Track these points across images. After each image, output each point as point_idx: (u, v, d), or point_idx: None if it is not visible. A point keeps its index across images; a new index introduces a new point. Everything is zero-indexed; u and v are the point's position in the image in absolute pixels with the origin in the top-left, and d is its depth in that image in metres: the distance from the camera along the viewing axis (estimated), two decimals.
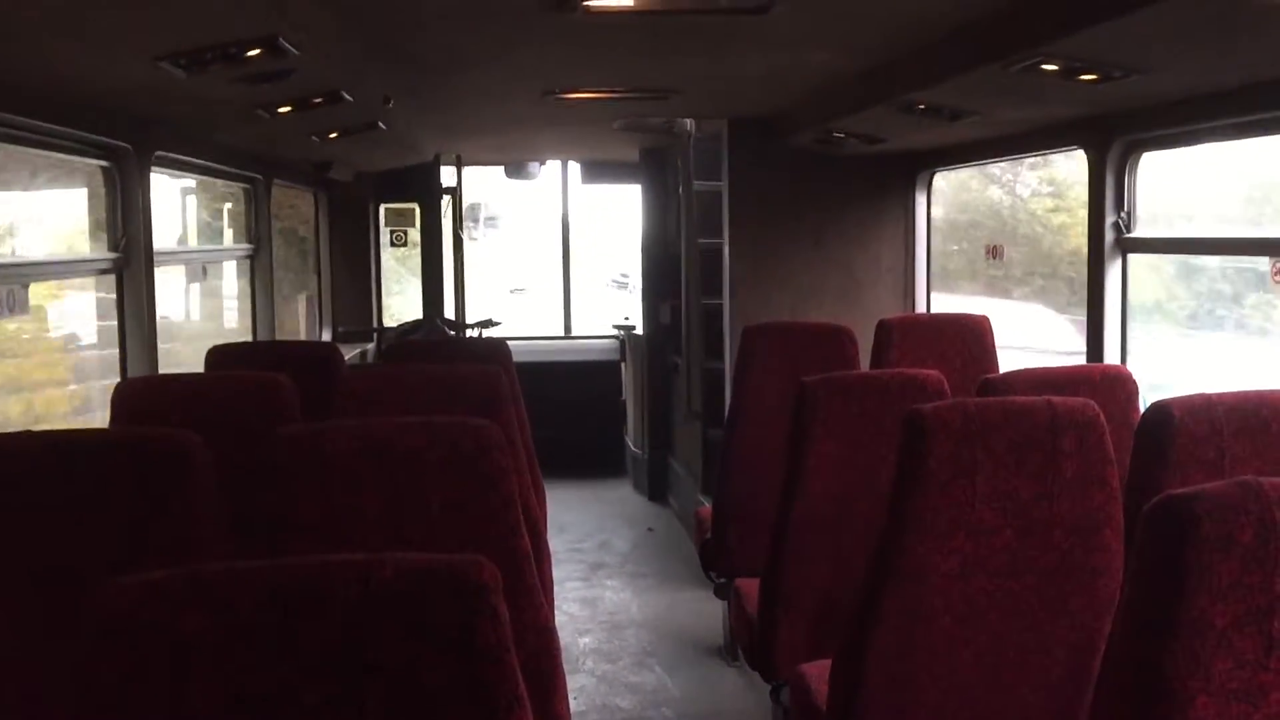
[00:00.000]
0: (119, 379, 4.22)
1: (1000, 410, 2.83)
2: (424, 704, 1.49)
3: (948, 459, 2.75)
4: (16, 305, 3.59)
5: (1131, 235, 4.53)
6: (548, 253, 11.57)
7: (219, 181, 6.16)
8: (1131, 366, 4.23)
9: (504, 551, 2.52)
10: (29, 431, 2.57)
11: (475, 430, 2.59)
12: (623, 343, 9.87)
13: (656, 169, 9.05)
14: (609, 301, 12.42)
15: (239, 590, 1.51)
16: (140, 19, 2.68)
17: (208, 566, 1.55)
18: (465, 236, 9.04)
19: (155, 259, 4.51)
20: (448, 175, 9.09)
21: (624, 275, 10.17)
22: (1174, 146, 4.37)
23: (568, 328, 10.99)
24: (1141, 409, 3.71)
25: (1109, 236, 4.54)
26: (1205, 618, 1.79)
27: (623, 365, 9.96)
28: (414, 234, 9.04)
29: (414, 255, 9.26)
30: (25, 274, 3.79)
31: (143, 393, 3.56)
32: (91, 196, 4.46)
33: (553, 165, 10.61)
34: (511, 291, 14.67)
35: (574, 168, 10.64)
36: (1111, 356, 4.57)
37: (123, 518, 2.52)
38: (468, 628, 1.50)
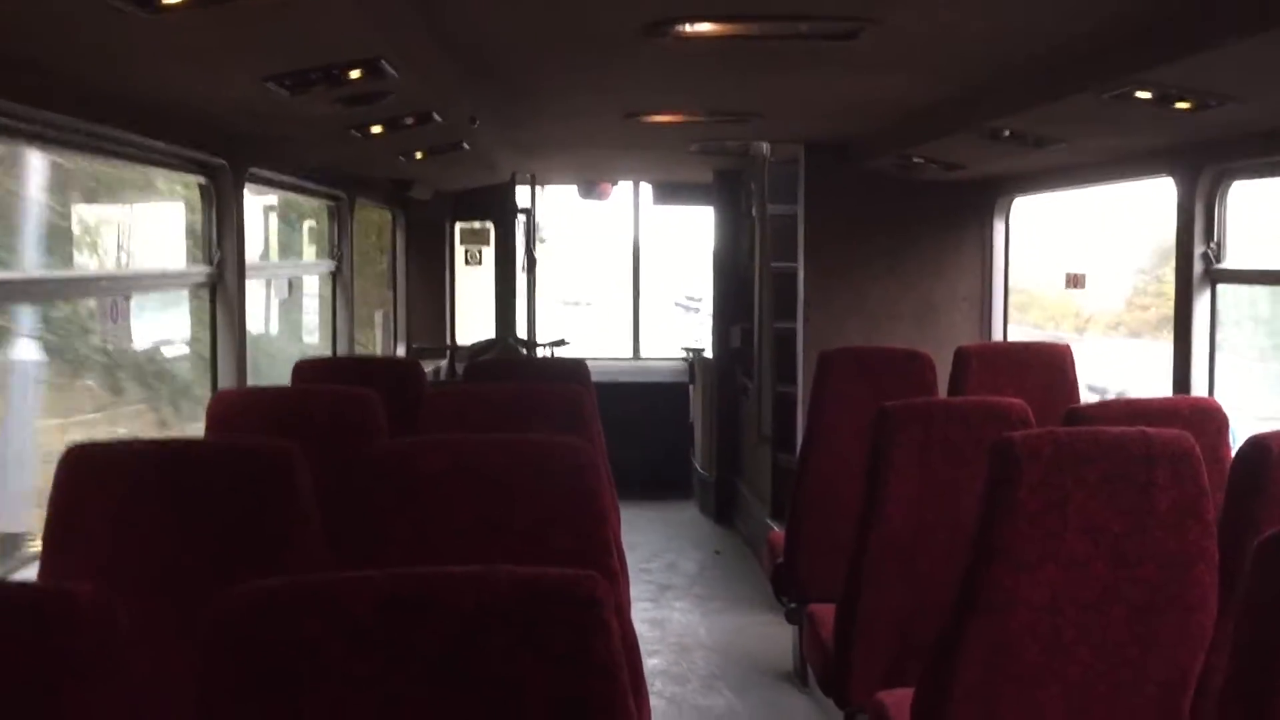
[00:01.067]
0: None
1: (1093, 440, 2.80)
2: (536, 716, 1.51)
3: (1038, 488, 2.72)
4: (119, 315, 3.70)
5: (1221, 266, 4.46)
6: (614, 271, 11.61)
7: (301, 199, 6.30)
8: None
9: (597, 569, 2.54)
10: (138, 439, 2.64)
11: (568, 449, 2.62)
12: (692, 365, 9.88)
13: (730, 192, 9.07)
14: (676, 323, 12.41)
15: (355, 598, 1.54)
16: (252, 39, 2.76)
17: (323, 575, 1.59)
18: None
19: (246, 273, 4.62)
20: (522, 195, 9.19)
21: (691, 298, 10.14)
22: (1266, 176, 4.30)
23: (636, 349, 11.02)
24: (1231, 442, 3.65)
25: (1198, 267, 4.47)
26: None
27: (691, 388, 9.96)
28: (488, 253, 9.13)
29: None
30: (126, 286, 3.91)
31: (235, 404, 3.64)
32: (189, 211, 4.58)
33: (624, 186, 10.68)
34: (565, 304, 14.70)
35: (645, 189, 10.69)
36: (1199, 388, 4.50)
37: (223, 525, 2.58)
38: (581, 642, 1.52)
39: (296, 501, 2.62)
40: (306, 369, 4.54)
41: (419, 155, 5.31)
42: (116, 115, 3.49)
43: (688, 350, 9.96)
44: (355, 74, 3.11)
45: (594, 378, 5.21)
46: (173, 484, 2.58)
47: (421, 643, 1.52)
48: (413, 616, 1.53)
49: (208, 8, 2.27)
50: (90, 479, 2.57)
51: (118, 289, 3.77)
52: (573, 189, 10.50)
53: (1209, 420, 3.68)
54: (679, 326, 12.01)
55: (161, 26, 2.41)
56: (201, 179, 4.42)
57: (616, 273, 11.43)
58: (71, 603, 1.56)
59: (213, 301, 4.49)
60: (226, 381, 4.47)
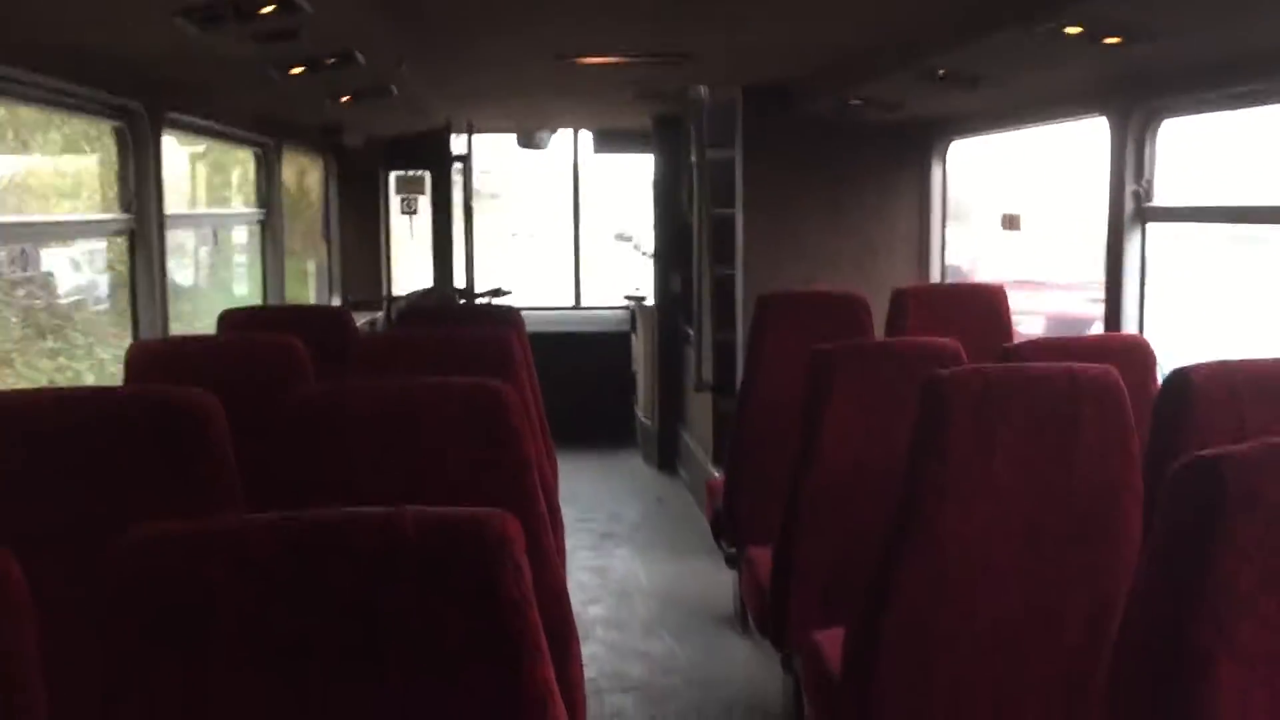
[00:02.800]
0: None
1: (1020, 377, 2.81)
2: (445, 655, 1.48)
3: (967, 425, 2.73)
4: (29, 264, 3.58)
5: (1151, 204, 4.48)
6: (557, 215, 11.51)
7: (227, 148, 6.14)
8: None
9: (521, 513, 2.50)
10: (45, 388, 2.56)
11: (492, 392, 2.57)
12: (633, 313, 9.84)
13: (670, 138, 8.99)
14: (616, 261, 12.31)
15: (259, 541, 1.50)
16: None
17: (225, 518, 1.54)
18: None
19: (167, 222, 4.49)
20: (459, 144, 9.04)
21: (623, 235, 10.06)
22: (1197, 112, 4.32)
23: (578, 298, 10.95)
24: (1160, 379, 3.69)
25: (1129, 205, 4.50)
26: (1230, 580, 1.77)
27: (633, 336, 9.93)
28: (423, 202, 8.99)
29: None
30: (37, 233, 3.78)
31: (155, 355, 3.55)
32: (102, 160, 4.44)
33: (565, 134, 10.55)
34: (513, 235, 14.55)
35: (585, 137, 10.58)
36: (1129, 326, 4.54)
37: (139, 476, 2.51)
38: (490, 580, 1.48)
39: (213, 452, 2.55)
40: (233, 319, 4.44)
41: (345, 99, 5.18)
42: (23, 57, 3.36)
43: (629, 298, 9.91)
44: (267, 9, 3.00)
45: (535, 327, 5.16)
46: (82, 434, 2.50)
47: (327, 585, 1.48)
48: (317, 558, 1.49)
49: None
50: None
51: (26, 236, 3.64)
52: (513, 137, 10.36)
53: (1138, 357, 3.72)
54: (621, 264, 11.91)
55: None
56: (117, 123, 4.28)
57: (560, 217, 11.32)
58: None
59: (132, 251, 4.37)
60: (148, 332, 4.36)
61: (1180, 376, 2.86)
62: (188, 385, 2.93)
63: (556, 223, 11.48)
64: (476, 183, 9.26)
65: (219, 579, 1.48)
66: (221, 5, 2.93)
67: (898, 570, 2.85)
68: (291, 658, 1.49)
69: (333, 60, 4.01)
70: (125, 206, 4.35)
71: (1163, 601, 1.84)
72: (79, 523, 2.49)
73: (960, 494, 2.75)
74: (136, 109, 4.26)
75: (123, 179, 4.34)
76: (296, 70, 4.04)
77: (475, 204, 9.02)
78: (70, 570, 2.45)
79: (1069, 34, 3.50)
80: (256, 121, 5.82)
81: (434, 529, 1.50)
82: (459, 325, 4.18)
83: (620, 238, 9.67)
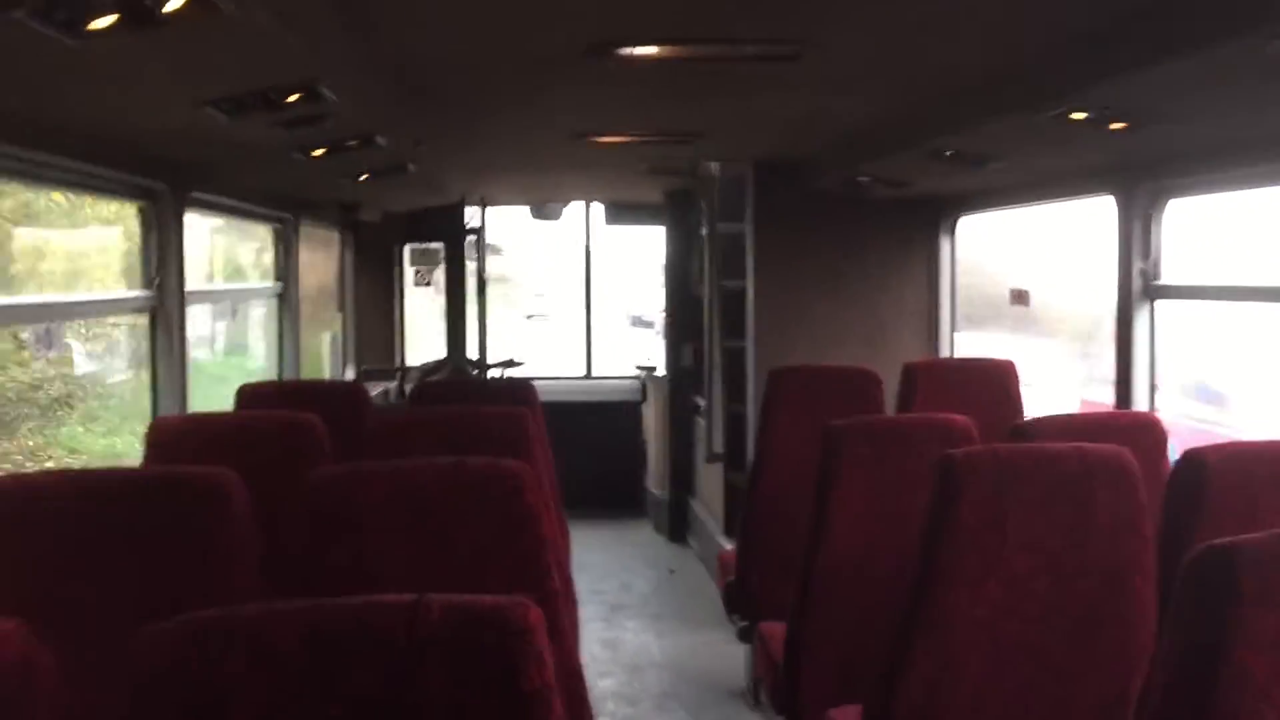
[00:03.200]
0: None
1: (1032, 457, 2.83)
2: None
3: (980, 505, 2.75)
4: (53, 343, 3.63)
5: (1159, 282, 4.53)
6: (567, 288, 11.60)
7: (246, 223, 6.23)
8: None
9: (537, 594, 2.52)
10: (65, 470, 2.59)
11: (507, 472, 2.60)
12: (644, 384, 9.88)
13: (681, 210, 9.10)
14: (629, 340, 12.39)
15: (280, 633, 1.52)
16: (186, 65, 2.73)
17: (247, 608, 1.56)
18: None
19: (187, 298, 4.56)
20: (473, 216, 9.16)
21: (640, 318, 10.13)
22: (1202, 193, 4.38)
23: (589, 368, 11.01)
24: (1170, 456, 3.70)
25: (1136, 283, 4.54)
26: (1246, 671, 1.78)
27: (643, 406, 9.96)
28: (438, 274, 9.09)
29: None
30: (61, 313, 3.84)
31: (176, 431, 3.59)
32: (126, 237, 4.52)
33: (577, 206, 10.67)
34: (529, 317, 14.63)
35: (597, 208, 10.70)
36: (1140, 403, 4.56)
37: (158, 556, 2.53)
38: (513, 670, 1.50)
39: (233, 531, 2.58)
40: (250, 394, 4.48)
41: (364, 178, 5.27)
42: (52, 142, 3.44)
43: (641, 369, 9.96)
44: (293, 98, 3.09)
45: (546, 397, 5.19)
46: (104, 515, 2.53)
47: (350, 675, 1.50)
48: (340, 649, 1.51)
49: (138, 33, 2.24)
50: (16, 511, 2.51)
51: (52, 316, 3.70)
52: (525, 210, 10.49)
53: (1148, 434, 3.74)
54: (633, 343, 12.00)
55: (91, 53, 2.38)
56: (141, 203, 4.37)
57: (573, 289, 11.42)
58: None
59: (153, 327, 4.43)
60: (168, 408, 4.41)
61: (1193, 458, 2.88)
62: (208, 462, 2.97)
63: (568, 299, 11.57)
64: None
65: (240, 671, 1.50)
66: (250, 96, 3.02)
67: (910, 651, 2.84)
68: None
69: (354, 143, 4.10)
70: (148, 284, 4.42)
71: (1180, 692, 1.85)
72: (102, 602, 2.51)
73: (972, 576, 2.76)
74: (161, 189, 4.35)
75: (145, 257, 4.41)
76: (318, 153, 4.13)
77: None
78: (93, 650, 2.47)
79: (1075, 119, 3.57)
80: (275, 198, 5.93)
81: (458, 618, 1.52)
82: (474, 402, 4.21)
83: (638, 322, 9.72)
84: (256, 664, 1.50)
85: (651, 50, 3.53)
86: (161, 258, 4.41)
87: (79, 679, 2.41)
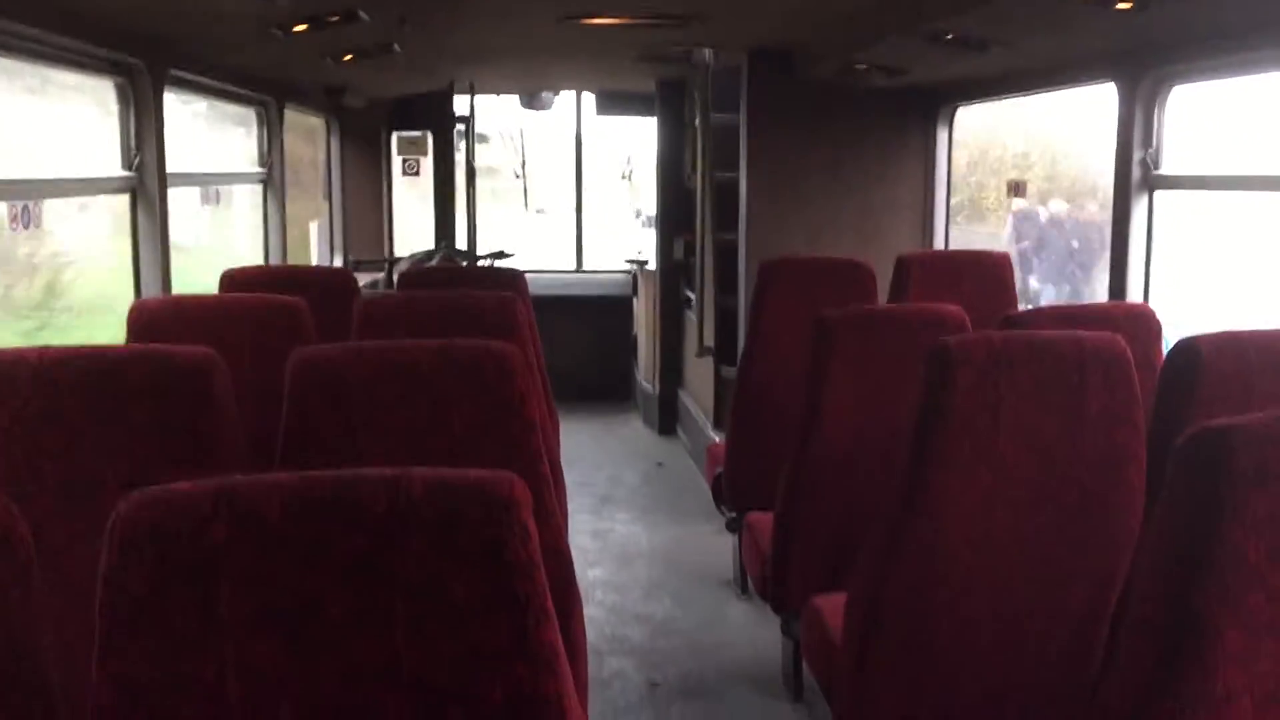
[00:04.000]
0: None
1: (1026, 344, 2.80)
2: (452, 617, 1.48)
3: (972, 392, 2.72)
4: (31, 221, 3.56)
5: (1159, 172, 4.46)
6: (562, 181, 11.45)
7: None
8: None
9: (525, 475, 2.50)
10: (43, 347, 2.54)
11: (497, 353, 2.56)
12: (635, 277, 9.82)
13: (673, 100, 8.93)
14: (638, 237, 12.26)
15: (265, 501, 1.49)
16: None
17: (232, 478, 1.53)
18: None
19: (168, 180, 4.46)
20: (461, 104, 8.98)
21: (649, 213, 10.01)
22: (1207, 79, 4.28)
23: (579, 261, 10.93)
24: (1165, 348, 3.68)
25: (1136, 173, 4.47)
26: (1238, 551, 1.77)
27: (634, 300, 9.91)
28: (426, 163, 8.95)
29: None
30: (38, 191, 3.75)
31: (157, 313, 3.54)
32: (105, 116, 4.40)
33: (568, 96, 10.48)
34: (539, 212, 14.48)
35: (589, 99, 10.51)
36: (1134, 295, 4.52)
37: (141, 435, 2.50)
38: (498, 542, 1.48)
39: (216, 410, 2.55)
40: (235, 278, 4.42)
41: (348, 58, 5.13)
42: (25, 12, 3.32)
43: (631, 262, 9.89)
44: None
45: (537, 290, 5.14)
46: (85, 392, 2.49)
47: (333, 545, 1.48)
48: (324, 519, 1.48)
49: None
50: (0, 385, 2.47)
51: (27, 193, 3.62)
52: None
53: (1143, 326, 3.71)
54: (641, 240, 11.89)
55: None
56: (118, 80, 4.24)
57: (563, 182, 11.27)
58: None
59: (134, 208, 4.34)
60: (150, 290, 4.35)
61: (1187, 346, 2.85)
62: (190, 343, 2.93)
63: (559, 192, 11.42)
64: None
65: (224, 538, 1.48)
66: None
67: (900, 537, 2.85)
68: (297, 617, 1.49)
69: (335, 18, 3.97)
70: (127, 164, 4.32)
71: (1168, 573, 1.84)
72: (82, 480, 2.49)
73: (963, 462, 2.75)
74: (138, 66, 4.22)
75: (124, 136, 4.30)
76: (299, 28, 4.00)
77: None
78: (73, 527, 2.46)
79: None
80: (258, 80, 5.78)
81: (441, 490, 1.50)
82: (462, 287, 4.16)
83: (649, 222, 9.61)
84: (238, 531, 1.48)
85: None
86: (140, 137, 4.30)
87: (58, 551, 2.40)
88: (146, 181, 4.34)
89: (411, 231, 9.37)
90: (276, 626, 1.48)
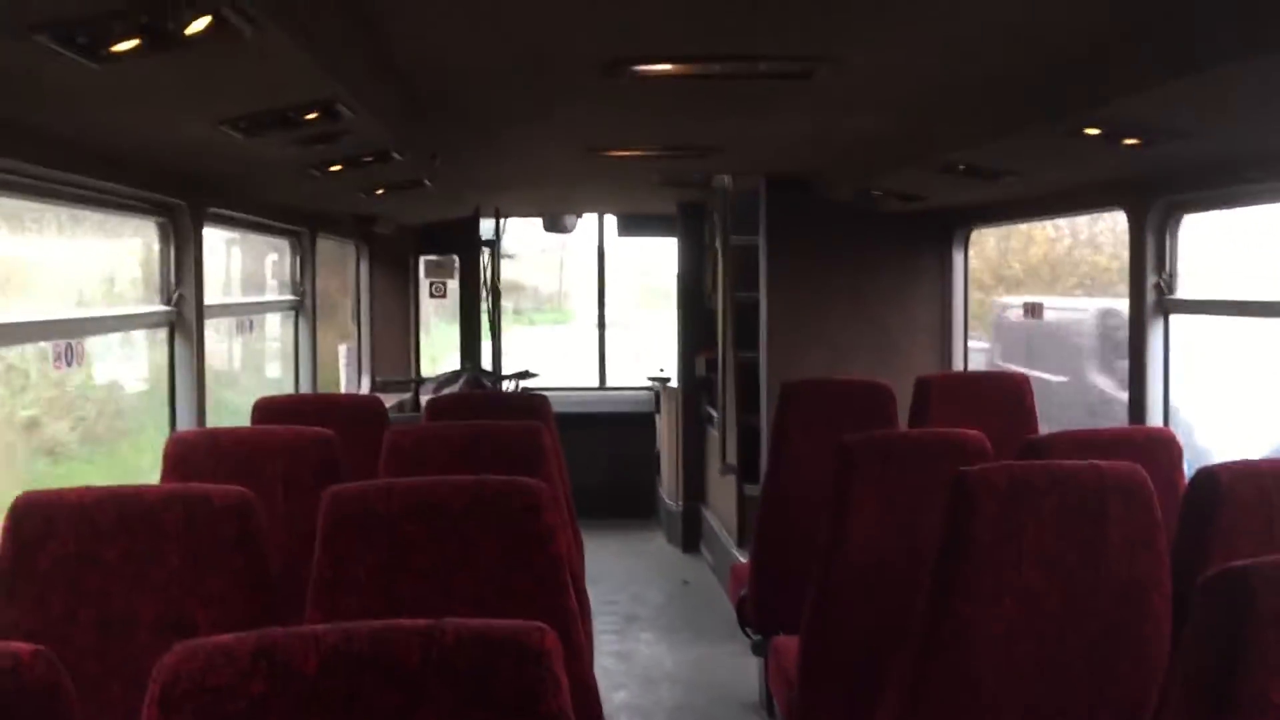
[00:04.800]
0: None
1: (1046, 474, 2.83)
2: None
3: (994, 522, 2.75)
4: (74, 358, 3.67)
5: (1173, 297, 4.53)
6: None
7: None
8: None
9: (554, 611, 2.54)
10: (84, 487, 2.62)
11: (524, 489, 2.62)
12: (657, 395, 9.90)
13: (693, 222, 9.13)
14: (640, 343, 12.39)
15: (303, 655, 1.53)
16: (204, 85, 2.76)
17: (272, 630, 1.58)
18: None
19: (205, 312, 4.60)
20: (487, 228, 9.20)
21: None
22: (1216, 208, 4.37)
23: (603, 379, 11.03)
24: (1186, 471, 3.70)
25: (1150, 298, 4.54)
26: (1263, 694, 1.78)
27: (657, 417, 9.98)
28: (452, 285, 9.13)
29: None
30: (80, 329, 3.88)
31: (193, 446, 3.62)
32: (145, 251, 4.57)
33: (590, 218, 10.71)
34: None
35: (610, 220, 10.73)
36: (1154, 419, 4.55)
37: (177, 574, 2.56)
38: (530, 695, 1.51)
39: (251, 549, 2.60)
40: (266, 407, 4.51)
41: (380, 192, 5.31)
42: (73, 161, 3.48)
43: (654, 379, 9.99)
44: (311, 116, 3.11)
45: (560, 408, 5.20)
46: (125, 533, 2.55)
47: (368, 700, 1.52)
48: (358, 672, 1.52)
49: (156, 55, 2.27)
50: (40, 528, 2.54)
51: (69, 332, 3.74)
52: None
53: (1163, 450, 3.73)
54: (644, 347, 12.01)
55: (112, 75, 2.41)
56: (159, 219, 4.41)
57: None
58: (14, 662, 1.54)
59: (171, 342, 4.46)
60: (186, 423, 4.44)
61: (1208, 476, 2.88)
62: (223, 477, 3.00)
63: (582, 313, 11.59)
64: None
65: (260, 693, 1.52)
66: (267, 115, 3.05)
67: (925, 666, 2.84)
68: None
69: (370, 159, 4.13)
70: (166, 299, 4.46)
71: (1194, 713, 1.85)
72: (118, 619, 2.53)
73: (987, 593, 2.76)
74: (179, 205, 4.39)
75: (164, 272, 4.45)
76: (335, 168, 4.16)
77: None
78: (108, 664, 2.50)
79: (1087, 134, 3.57)
80: (292, 213, 5.97)
81: (474, 642, 1.54)
82: (488, 416, 4.23)
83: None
84: (275, 686, 1.51)
85: (666, 68, 3.55)
86: (180, 272, 4.45)
87: (100, 700, 2.44)
88: (185, 314, 4.47)
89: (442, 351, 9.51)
90: None
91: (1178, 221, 4.49)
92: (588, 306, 11.40)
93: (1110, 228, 6.98)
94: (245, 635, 1.56)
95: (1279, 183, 3.86)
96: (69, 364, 3.65)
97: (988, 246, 7.83)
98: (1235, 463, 2.93)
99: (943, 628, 2.80)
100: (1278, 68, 2.65)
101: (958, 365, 6.68)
